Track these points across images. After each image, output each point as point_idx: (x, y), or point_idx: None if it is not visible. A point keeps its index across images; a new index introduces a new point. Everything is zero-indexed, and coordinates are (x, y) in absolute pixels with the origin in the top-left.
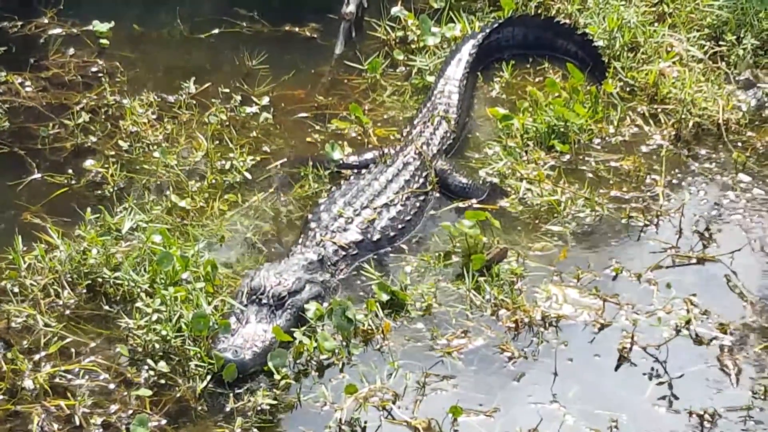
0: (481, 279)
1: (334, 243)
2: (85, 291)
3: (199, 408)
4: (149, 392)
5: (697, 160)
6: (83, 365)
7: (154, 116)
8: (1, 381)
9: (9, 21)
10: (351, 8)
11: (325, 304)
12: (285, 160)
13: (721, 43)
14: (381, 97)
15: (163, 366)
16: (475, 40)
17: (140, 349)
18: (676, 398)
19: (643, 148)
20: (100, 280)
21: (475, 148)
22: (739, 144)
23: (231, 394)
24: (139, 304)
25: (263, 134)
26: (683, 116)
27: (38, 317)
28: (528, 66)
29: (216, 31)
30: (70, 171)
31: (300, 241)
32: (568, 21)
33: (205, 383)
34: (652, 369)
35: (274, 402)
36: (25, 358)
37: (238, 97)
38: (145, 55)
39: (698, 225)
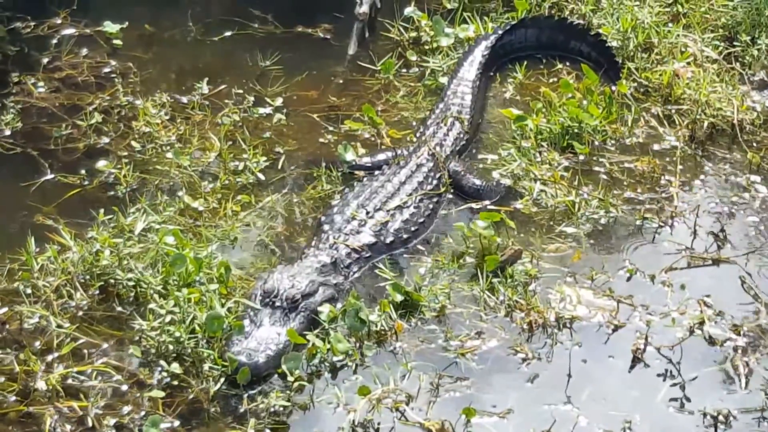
0: (495, 280)
1: (347, 246)
2: (97, 292)
3: (212, 409)
4: (162, 394)
5: (712, 161)
6: (96, 366)
7: (167, 117)
8: (13, 382)
9: (22, 21)
10: (364, 9)
11: (339, 306)
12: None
13: (735, 43)
14: (394, 97)
15: (176, 367)
16: (488, 41)
17: (153, 351)
18: (690, 400)
19: (658, 149)
20: (112, 281)
21: (489, 149)
22: (754, 144)
23: (244, 396)
24: (152, 305)
25: (276, 135)
26: (698, 117)
27: (51, 318)
28: (542, 67)
29: (229, 33)
30: (83, 172)
31: (313, 243)
32: (582, 21)
33: (218, 385)
34: (666, 370)
35: (288, 403)
36: (37, 359)
37: (251, 98)
38: (158, 55)
39: (713, 226)
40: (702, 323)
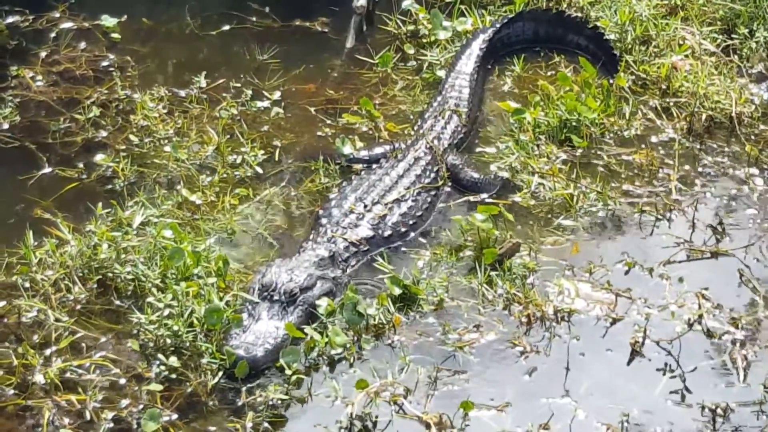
0: (493, 273)
1: (345, 239)
2: (95, 286)
3: (211, 403)
4: (160, 387)
5: (710, 154)
6: (94, 360)
7: (165, 111)
8: (12, 376)
9: (20, 15)
10: (362, 2)
11: (337, 300)
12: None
13: (733, 36)
14: (392, 91)
15: (174, 361)
16: (485, 35)
17: (151, 344)
18: (689, 392)
19: (656, 142)
20: (110, 275)
21: (487, 142)
22: (752, 137)
23: (242, 389)
24: (150, 299)
25: (274, 128)
26: (696, 110)
27: (49, 312)
28: (539, 60)
29: (226, 27)
30: (81, 165)
31: (311, 236)
32: (579, 15)
33: (216, 379)
34: (665, 363)
35: (286, 397)
36: (36, 353)
37: (249, 92)
38: (156, 49)
39: (711, 219)
40: (700, 316)
